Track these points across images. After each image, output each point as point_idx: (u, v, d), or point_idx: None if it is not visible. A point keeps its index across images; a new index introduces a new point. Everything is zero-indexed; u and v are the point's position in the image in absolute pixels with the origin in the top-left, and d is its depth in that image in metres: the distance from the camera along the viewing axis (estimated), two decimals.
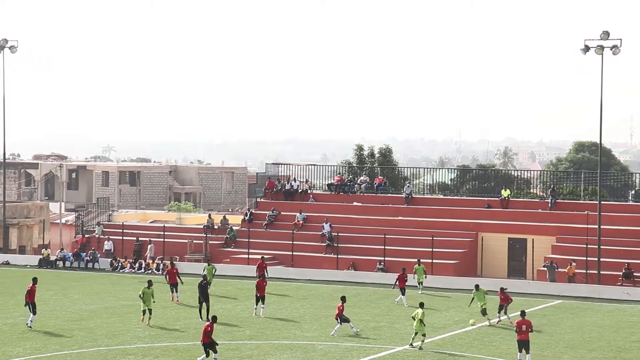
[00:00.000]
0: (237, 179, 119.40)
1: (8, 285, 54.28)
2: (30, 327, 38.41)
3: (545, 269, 55.31)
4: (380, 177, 70.64)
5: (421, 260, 52.48)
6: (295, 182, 69.72)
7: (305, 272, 58.50)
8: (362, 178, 70.10)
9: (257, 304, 42.98)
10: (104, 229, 69.96)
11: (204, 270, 49.26)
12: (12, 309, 44.54)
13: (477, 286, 40.78)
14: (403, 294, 46.71)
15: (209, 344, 31.04)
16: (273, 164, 77.08)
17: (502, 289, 41.52)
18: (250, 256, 61.32)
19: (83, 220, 73.45)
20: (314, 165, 79.40)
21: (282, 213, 66.73)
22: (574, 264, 54.81)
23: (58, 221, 77.77)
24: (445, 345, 36.59)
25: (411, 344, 34.38)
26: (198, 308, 41.58)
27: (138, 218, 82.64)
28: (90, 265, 63.86)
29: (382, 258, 58.78)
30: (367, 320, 42.15)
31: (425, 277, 51.47)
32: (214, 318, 32.07)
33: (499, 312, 42.23)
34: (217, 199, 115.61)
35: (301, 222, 65.01)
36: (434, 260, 57.82)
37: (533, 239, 58.38)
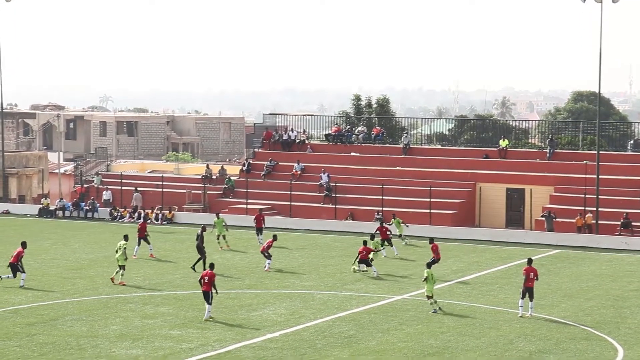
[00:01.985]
0: (234, 129, 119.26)
1: (9, 234, 54.47)
2: (22, 286, 36.95)
3: (544, 218, 55.54)
4: (377, 127, 70.54)
5: (395, 215, 52.79)
6: (292, 132, 69.67)
7: (304, 222, 58.71)
8: (359, 128, 70.00)
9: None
10: (103, 179, 70.09)
11: (214, 224, 48.94)
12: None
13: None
14: (390, 244, 46.68)
15: (208, 293, 31.20)
16: (270, 114, 76.91)
17: (431, 239, 41.29)
18: (249, 206, 61.50)
19: (82, 170, 73.56)
20: (312, 115, 79.35)
21: (279, 163, 66.79)
22: (590, 215, 54.62)
23: (57, 171, 77.86)
24: (443, 294, 36.85)
25: (436, 310, 32.98)
26: (198, 259, 41.34)
27: (136, 168, 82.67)
28: (89, 214, 64.06)
29: (380, 208, 58.95)
30: (366, 270, 42.33)
31: (407, 226, 51.52)
32: (212, 266, 32.06)
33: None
34: (214, 149, 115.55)
35: (299, 172, 65.09)
36: (431, 210, 58.02)
37: (531, 189, 58.53)
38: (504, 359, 26.77)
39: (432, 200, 58.29)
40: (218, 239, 48.38)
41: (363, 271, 40.92)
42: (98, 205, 64.75)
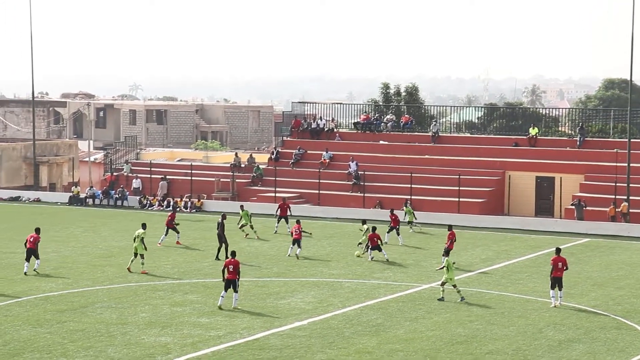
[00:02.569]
0: (263, 117, 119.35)
1: (40, 222, 54.59)
2: (36, 271, 37.23)
3: (573, 207, 55.20)
4: (406, 115, 70.39)
5: (408, 202, 53.40)
6: (321, 120, 69.64)
7: (332, 210, 58.70)
8: (388, 117, 69.85)
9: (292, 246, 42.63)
10: (132, 167, 70.40)
11: (240, 217, 48.91)
12: (45, 245, 44.98)
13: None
14: (398, 233, 46.72)
15: (234, 281, 31.13)
16: (299, 102, 76.88)
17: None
18: (277, 194, 61.55)
19: (111, 159, 73.91)
20: (340, 103, 79.18)
21: (308, 152, 66.80)
22: (625, 203, 54.19)
23: (87, 159, 78.27)
24: (471, 283, 36.78)
25: (442, 298, 33.00)
26: (218, 247, 41.44)
27: (165, 156, 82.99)
28: (119, 202, 64.39)
29: (409, 197, 58.78)
30: (394, 258, 42.36)
31: (415, 218, 51.59)
32: (234, 253, 31.83)
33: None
34: (243, 138, 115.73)
35: (327, 160, 65.07)
36: (460, 199, 57.83)
37: (561, 178, 58.16)
38: (532, 348, 26.66)
39: (460, 188, 58.08)
40: (241, 228, 48.42)
41: (371, 258, 40.90)
42: (128, 193, 65.07)
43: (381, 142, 66.55)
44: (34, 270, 37.38)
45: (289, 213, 50.15)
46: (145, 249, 38.19)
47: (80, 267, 38.96)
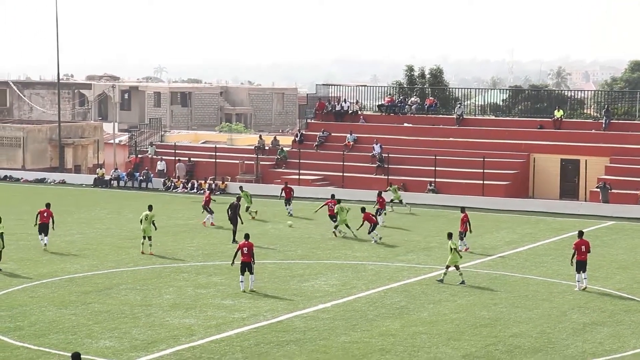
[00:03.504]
0: (287, 100, 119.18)
1: (65, 204, 55.11)
2: (45, 247, 38.40)
3: (599, 190, 54.86)
4: (431, 98, 70.11)
5: (392, 182, 54.55)
6: (345, 103, 69.48)
7: (356, 192, 58.60)
8: (412, 99, 69.60)
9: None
10: (157, 150, 70.57)
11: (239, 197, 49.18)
12: (69, 226, 45.35)
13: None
14: (380, 214, 46.87)
15: (249, 264, 31.09)
16: (323, 85, 76.68)
17: (462, 208, 40.69)
18: (301, 177, 61.56)
19: (136, 141, 74.10)
20: (364, 86, 78.92)
21: (332, 134, 66.70)
22: None
23: (112, 141, 78.52)
24: (496, 266, 36.66)
25: (442, 280, 32.94)
26: (233, 230, 41.39)
27: (190, 139, 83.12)
28: (143, 184, 64.59)
29: (433, 179, 58.68)
30: (418, 240, 42.30)
31: (400, 195, 52.54)
32: (247, 236, 31.73)
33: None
34: (267, 120, 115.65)
35: (351, 143, 64.95)
36: (485, 182, 57.61)
37: (586, 160, 57.77)
38: (557, 331, 26.54)
39: (485, 171, 57.84)
40: (247, 210, 48.56)
41: (379, 238, 41.34)
42: (152, 175, 65.25)
43: (405, 124, 66.34)
44: (45, 246, 38.35)
45: (292, 195, 51.12)
46: (155, 228, 38.51)
47: (104, 249, 39.13)
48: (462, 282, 32.68)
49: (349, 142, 64.96)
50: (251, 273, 31.13)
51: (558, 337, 25.98)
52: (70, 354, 18.50)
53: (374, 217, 41.94)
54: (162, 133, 79.75)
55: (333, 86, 74.92)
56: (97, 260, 36.88)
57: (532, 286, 32.66)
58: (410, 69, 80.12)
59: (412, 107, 67.99)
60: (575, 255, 31.84)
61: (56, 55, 73.27)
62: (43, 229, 38.84)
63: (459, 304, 29.86)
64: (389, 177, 60.21)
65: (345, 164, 61.97)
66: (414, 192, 58.35)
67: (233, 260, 31.44)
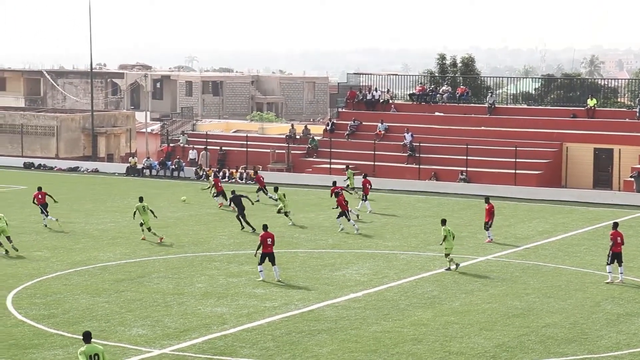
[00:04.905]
0: (318, 89, 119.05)
1: (98, 192, 55.47)
2: (46, 225, 41.37)
3: (633, 179, 54.34)
4: (462, 86, 69.73)
5: (349, 166, 54.67)
6: (376, 92, 69.30)
7: (387, 182, 58.49)
8: (444, 88, 69.30)
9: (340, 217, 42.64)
10: (188, 139, 70.77)
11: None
12: (102, 215, 45.61)
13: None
14: (365, 199, 47.28)
15: (271, 254, 30.99)
16: (354, 73, 76.52)
17: (487, 198, 40.32)
18: (332, 166, 61.51)
19: (168, 130, 74.35)
20: (396, 75, 78.66)
21: (363, 123, 66.56)
22: None
23: (144, 130, 78.84)
24: (528, 255, 36.43)
25: (449, 268, 33.04)
26: (245, 222, 41.32)
27: (221, 128, 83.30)
28: (175, 173, 64.81)
29: (465, 168, 58.43)
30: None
31: (354, 182, 52.00)
32: (266, 227, 31.72)
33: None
34: (298, 109, 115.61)
35: (383, 132, 64.79)
36: (517, 171, 57.28)
37: (620, 149, 57.26)
38: (590, 322, 26.33)
39: (517, 160, 57.51)
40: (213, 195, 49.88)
41: (345, 227, 41.39)
42: (184, 164, 65.46)
43: (437, 113, 66.07)
44: (46, 226, 40.90)
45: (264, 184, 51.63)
46: (155, 216, 39.30)
47: (137, 238, 39.28)
48: (449, 269, 32.78)
49: (380, 131, 64.80)
50: (274, 264, 31.08)
51: (591, 327, 25.77)
52: (100, 341, 18.56)
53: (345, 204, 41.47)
54: (194, 122, 80.00)
55: (364, 75, 74.73)
56: (130, 248, 37.05)
57: (564, 276, 32.43)
58: (442, 57, 79.76)
59: (444, 96, 67.69)
60: (612, 247, 31.42)
61: (89, 44, 73.62)
62: (43, 208, 41.47)
63: (491, 293, 29.71)
64: (420, 166, 60.05)
65: (376, 153, 61.84)
66: (446, 181, 58.17)
67: (257, 251, 31.37)
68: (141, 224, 38.62)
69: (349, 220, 41.14)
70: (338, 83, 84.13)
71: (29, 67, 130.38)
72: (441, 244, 33.62)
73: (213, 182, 50.30)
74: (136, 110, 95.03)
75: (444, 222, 33.83)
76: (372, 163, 61.65)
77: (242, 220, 41.40)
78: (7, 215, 37.88)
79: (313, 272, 32.74)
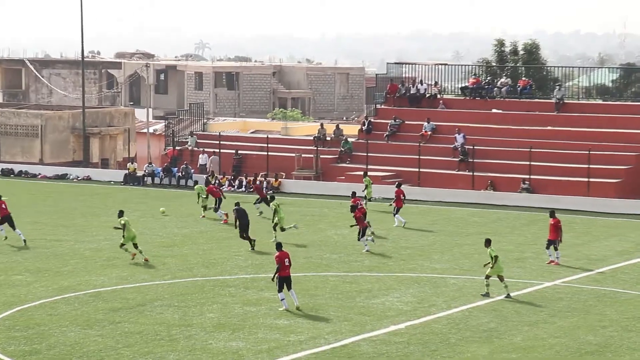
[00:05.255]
0: (353, 81, 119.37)
1: (90, 204, 55.80)
2: (25, 241, 41.86)
3: None
4: (524, 78, 69.66)
5: (367, 172, 55.49)
6: (422, 85, 69.32)
7: (434, 192, 58.43)
8: (502, 80, 69.25)
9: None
10: (198, 140, 71.05)
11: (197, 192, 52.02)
12: (95, 231, 45.86)
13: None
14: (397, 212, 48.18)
15: (288, 278, 31.15)
16: (395, 63, 76.59)
17: (552, 212, 40.07)
18: (369, 173, 61.46)
19: (174, 130, 74.67)
20: (445, 64, 78.67)
21: (406, 122, 66.59)
22: None
23: (145, 130, 79.26)
24: (604, 281, 36.28)
25: (487, 293, 33.25)
26: (247, 239, 41.75)
27: (237, 127, 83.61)
28: (182, 182, 65.07)
29: (527, 176, 58.27)
30: (509, 250, 41.99)
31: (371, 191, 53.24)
32: (280, 245, 31.94)
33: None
34: (329, 106, 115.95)
35: (429, 132, 64.80)
36: (590, 179, 57.07)
37: None
38: None
39: (590, 166, 57.32)
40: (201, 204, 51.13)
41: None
42: (192, 171, 65.70)
43: (494, 110, 66.00)
44: (24, 241, 41.56)
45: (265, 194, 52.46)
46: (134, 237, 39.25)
47: (136, 258, 39.42)
48: (508, 296, 32.92)
49: (426, 131, 64.80)
50: (290, 287, 31.18)
51: None
52: None
53: (363, 218, 41.92)
54: (205, 121, 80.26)
55: (407, 65, 74.78)
56: (128, 271, 37.19)
57: None
58: (501, 43, 79.71)
59: (502, 89, 67.63)
60: None
61: (80, 28, 74.11)
62: (4, 221, 42.07)
63: (559, 326, 29.61)
64: (474, 173, 59.94)
65: (421, 157, 61.82)
66: (504, 191, 58.04)
67: (275, 275, 31.41)
68: (122, 245, 38.93)
69: (362, 237, 41.48)
70: (376, 74, 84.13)
71: (8, 54, 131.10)
72: (490, 265, 33.38)
73: (206, 192, 51.05)
74: (136, 107, 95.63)
75: (487, 242, 33.97)
76: (417, 170, 61.61)
77: (244, 234, 41.74)
78: None
79: (346, 299, 32.74)
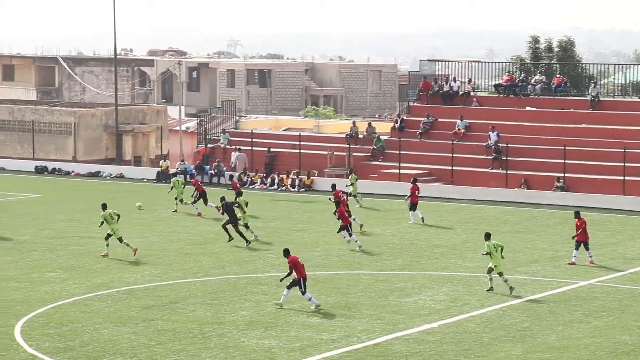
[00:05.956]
0: (385, 78, 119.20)
1: (123, 202, 55.85)
2: None
3: None
4: (559, 75, 69.32)
5: (353, 170, 56.57)
6: (455, 82, 69.12)
7: (468, 190, 58.26)
8: (537, 77, 68.94)
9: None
10: (230, 138, 71.14)
11: (172, 184, 52.66)
12: (128, 229, 45.95)
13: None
14: (414, 209, 48.19)
15: (304, 279, 31.23)
16: (428, 60, 76.43)
17: (577, 213, 39.77)
18: (402, 171, 61.42)
19: (206, 127, 74.79)
20: (478, 61, 78.41)
21: (439, 120, 66.41)
22: None
23: (177, 128, 79.42)
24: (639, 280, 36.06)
25: (491, 288, 33.55)
26: (236, 232, 42.00)
27: (269, 125, 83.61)
28: (215, 179, 65.19)
29: (562, 174, 57.97)
30: (544, 249, 41.83)
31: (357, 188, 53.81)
32: (287, 251, 32.01)
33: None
34: (361, 103, 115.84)
35: (462, 130, 64.60)
36: (626, 177, 56.71)
37: None
38: None
39: (626, 165, 56.94)
40: (176, 199, 51.56)
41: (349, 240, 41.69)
42: (225, 168, 65.81)
43: (528, 108, 65.73)
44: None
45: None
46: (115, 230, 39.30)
47: (169, 256, 39.55)
48: (491, 289, 33.51)
49: (459, 129, 64.62)
50: (305, 289, 31.25)
51: None
52: None
53: (347, 213, 42.08)
54: (237, 118, 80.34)
55: (440, 62, 74.56)
56: (161, 269, 37.31)
57: None
58: (535, 40, 79.30)
59: (537, 87, 67.33)
60: None
61: (113, 25, 74.41)
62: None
63: (594, 325, 29.45)
64: (508, 172, 59.72)
65: (454, 155, 61.64)
66: (538, 189, 57.76)
67: (287, 275, 31.52)
68: (120, 239, 39.11)
69: (350, 235, 41.44)
70: (409, 72, 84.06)
71: (42, 52, 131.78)
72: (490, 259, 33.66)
73: (192, 184, 51.80)
74: (168, 105, 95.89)
75: (487, 236, 34.23)
76: (450, 168, 61.44)
77: (229, 230, 42.04)
78: (17, 230, 38.38)
79: (379, 298, 32.71)
